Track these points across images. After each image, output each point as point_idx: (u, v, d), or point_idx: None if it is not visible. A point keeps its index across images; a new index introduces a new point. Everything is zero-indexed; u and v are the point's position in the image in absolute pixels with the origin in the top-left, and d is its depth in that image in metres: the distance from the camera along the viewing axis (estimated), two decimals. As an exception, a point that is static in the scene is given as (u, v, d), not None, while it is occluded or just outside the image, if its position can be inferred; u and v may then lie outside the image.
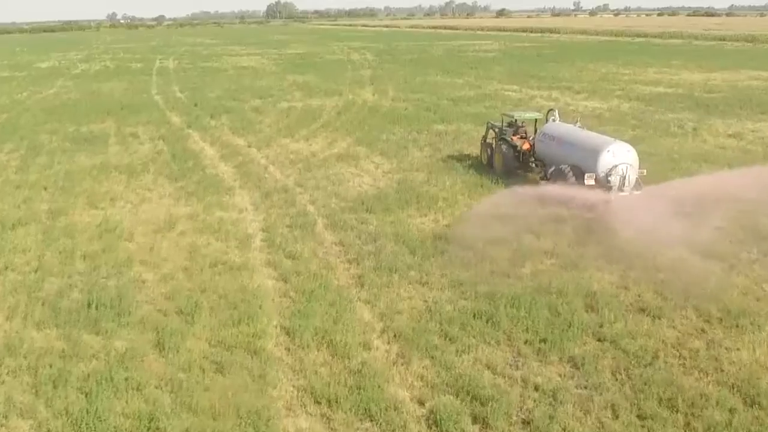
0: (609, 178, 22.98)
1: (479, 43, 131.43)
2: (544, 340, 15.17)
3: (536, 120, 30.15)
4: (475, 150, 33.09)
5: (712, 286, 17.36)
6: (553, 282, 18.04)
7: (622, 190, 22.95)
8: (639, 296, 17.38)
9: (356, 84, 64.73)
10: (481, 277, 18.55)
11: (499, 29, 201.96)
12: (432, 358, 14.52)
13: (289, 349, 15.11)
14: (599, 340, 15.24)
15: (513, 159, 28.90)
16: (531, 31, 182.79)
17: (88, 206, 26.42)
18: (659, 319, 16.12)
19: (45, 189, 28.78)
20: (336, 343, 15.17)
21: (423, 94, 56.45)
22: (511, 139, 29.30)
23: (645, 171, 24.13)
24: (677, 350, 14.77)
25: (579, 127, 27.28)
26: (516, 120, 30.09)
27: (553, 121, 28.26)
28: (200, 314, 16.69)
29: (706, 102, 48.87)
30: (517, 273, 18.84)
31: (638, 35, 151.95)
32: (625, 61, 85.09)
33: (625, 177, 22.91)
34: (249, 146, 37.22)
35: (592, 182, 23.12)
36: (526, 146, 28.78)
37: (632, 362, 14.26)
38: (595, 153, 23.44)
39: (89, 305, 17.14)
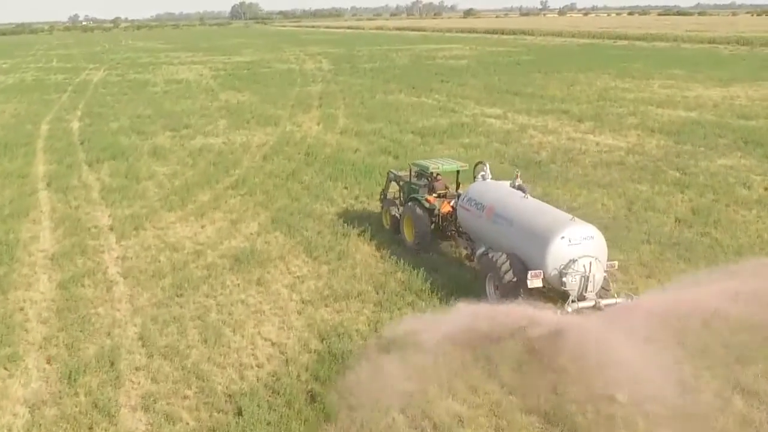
0: (564, 279, 15.47)
1: (448, 48, 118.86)
2: None
3: (458, 172, 22.14)
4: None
5: None
6: None
7: (583, 298, 15.41)
8: None
9: (301, 106, 51.93)
10: None
11: (469, 31, 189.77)
12: None
13: None
14: None
15: (428, 227, 20.75)
16: (503, 33, 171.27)
17: None
18: None
19: None
20: None
21: (381, 122, 43.73)
22: (426, 199, 21.11)
23: (617, 264, 16.77)
24: None
25: (519, 186, 19.01)
26: (430, 171, 21.56)
27: (483, 179, 19.79)
28: None
29: (752, 136, 36.80)
30: None
31: (619, 37, 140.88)
32: (620, 70, 73.25)
33: (587, 277, 15.43)
34: (111, 229, 24.32)
35: (539, 283, 15.72)
36: (446, 209, 20.81)
37: None
38: (542, 240, 15.85)
39: None
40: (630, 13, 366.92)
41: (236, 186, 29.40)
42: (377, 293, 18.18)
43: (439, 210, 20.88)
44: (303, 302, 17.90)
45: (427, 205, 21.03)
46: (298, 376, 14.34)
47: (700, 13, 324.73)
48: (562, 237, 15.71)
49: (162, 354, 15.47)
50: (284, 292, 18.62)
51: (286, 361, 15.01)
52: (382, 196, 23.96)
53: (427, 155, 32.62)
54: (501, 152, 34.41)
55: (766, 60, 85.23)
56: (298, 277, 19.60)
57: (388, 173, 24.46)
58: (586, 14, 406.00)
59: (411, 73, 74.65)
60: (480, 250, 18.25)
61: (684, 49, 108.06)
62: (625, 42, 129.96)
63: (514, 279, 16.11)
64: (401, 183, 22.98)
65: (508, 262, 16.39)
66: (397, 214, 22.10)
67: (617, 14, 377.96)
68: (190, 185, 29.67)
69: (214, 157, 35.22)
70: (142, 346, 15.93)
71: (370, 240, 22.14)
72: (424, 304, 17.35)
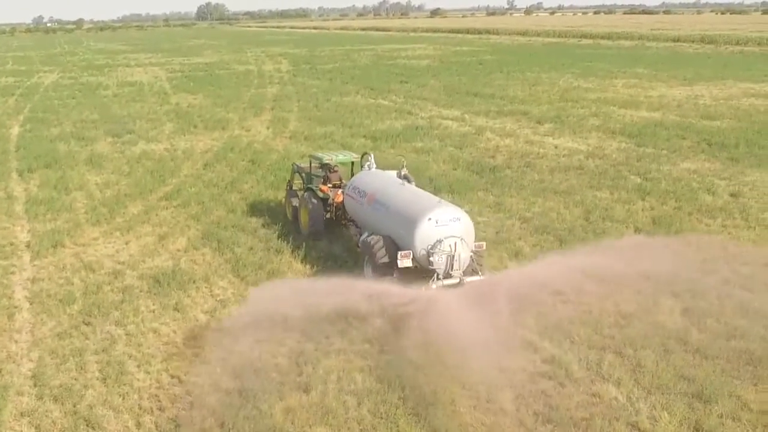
0: (431, 259, 16.46)
1: (412, 48, 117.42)
2: None
3: (352, 163, 23.31)
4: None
5: None
6: None
7: (449, 276, 16.45)
8: None
9: (253, 109, 50.05)
10: None
11: (434, 30, 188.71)
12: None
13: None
14: None
15: (321, 216, 21.73)
16: (468, 32, 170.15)
17: None
18: None
19: None
20: None
21: (334, 126, 42.02)
22: (319, 189, 22.15)
23: (484, 245, 17.70)
24: None
25: (404, 175, 20.50)
26: (327, 163, 22.79)
27: (368, 168, 21.14)
28: None
29: (716, 138, 35.47)
30: None
31: (584, 36, 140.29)
32: (583, 70, 72.19)
33: (453, 256, 16.44)
34: (27, 246, 22.37)
35: (409, 263, 16.72)
36: (339, 198, 21.67)
37: None
38: (410, 222, 16.94)
39: None
40: (596, 12, 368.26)
41: (170, 197, 27.54)
42: (305, 319, 16.35)
43: (333, 199, 21.72)
44: (221, 331, 16.05)
45: (320, 194, 21.93)
46: (202, 422, 12.54)
47: (665, 12, 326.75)
48: (429, 219, 16.59)
49: (54, 396, 13.63)
50: (202, 319, 16.80)
51: (192, 403, 13.19)
52: (288, 188, 24.43)
53: (377, 160, 30.87)
54: (455, 157, 32.83)
55: (731, 58, 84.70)
56: (220, 301, 17.81)
57: (292, 165, 25.15)
58: (552, 13, 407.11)
59: (371, 74, 73.02)
60: (363, 236, 18.78)
61: (649, 47, 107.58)
62: (590, 41, 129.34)
63: (388, 260, 16.99)
64: (303, 175, 23.59)
65: (381, 243, 17.29)
66: (296, 204, 22.74)
67: (583, 13, 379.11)
68: (122, 196, 27.76)
69: (154, 164, 33.30)
70: (35, 385, 14.08)
71: (305, 257, 20.41)
72: (355, 332, 15.56)
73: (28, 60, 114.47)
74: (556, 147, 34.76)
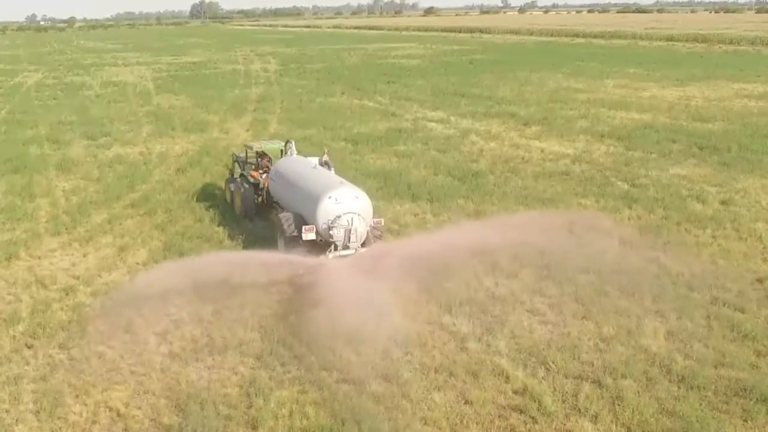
0: (331, 232, 18.25)
1: (403, 47, 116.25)
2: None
3: (281, 151, 24.80)
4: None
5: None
6: None
7: (347, 248, 18.32)
8: None
9: (234, 110, 48.85)
10: None
11: (427, 29, 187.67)
12: None
13: None
14: None
15: (252, 200, 23.81)
16: (460, 31, 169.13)
17: None
18: None
19: None
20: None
21: (315, 128, 40.82)
22: (250, 174, 24.36)
23: (383, 220, 19.99)
24: None
25: (324, 161, 22.79)
26: (257, 150, 25.09)
27: (290, 154, 23.31)
28: None
29: (708, 141, 34.42)
30: None
31: (577, 35, 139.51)
32: (574, 69, 71.12)
33: (350, 230, 18.24)
34: (-19, 258, 21.13)
35: (312, 236, 18.70)
36: (268, 183, 23.26)
37: None
38: (314, 200, 18.78)
39: None
40: (590, 11, 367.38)
41: (137, 204, 26.31)
42: (262, 341, 15.23)
43: (262, 184, 23.50)
44: (171, 356, 14.90)
45: (251, 179, 24.00)
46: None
47: (659, 10, 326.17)
48: (330, 197, 18.42)
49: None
50: (152, 341, 15.61)
51: (127, 442, 12.02)
52: (230, 176, 26.13)
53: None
54: (437, 161, 31.71)
55: (723, 57, 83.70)
56: (174, 320, 16.59)
57: (232, 155, 27.13)
58: (546, 12, 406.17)
59: (359, 74, 71.80)
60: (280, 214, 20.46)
61: (641, 46, 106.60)
62: (583, 40, 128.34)
63: (296, 233, 18.83)
64: (240, 163, 25.48)
65: (290, 218, 19.21)
66: (233, 190, 24.59)
67: (577, 12, 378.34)
68: (87, 203, 26.53)
69: (125, 169, 32.09)
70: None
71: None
72: (313, 357, 14.41)
73: (15, 59, 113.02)
74: (542, 151, 33.65)
